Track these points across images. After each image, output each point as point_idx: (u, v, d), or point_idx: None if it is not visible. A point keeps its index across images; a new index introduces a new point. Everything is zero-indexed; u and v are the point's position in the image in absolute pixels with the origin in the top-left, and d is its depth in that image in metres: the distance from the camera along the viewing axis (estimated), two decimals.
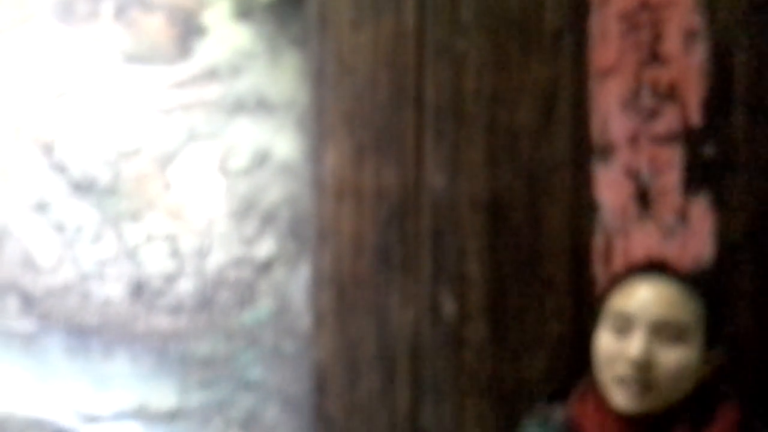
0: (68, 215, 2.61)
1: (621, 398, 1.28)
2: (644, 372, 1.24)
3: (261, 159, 2.59)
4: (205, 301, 2.69)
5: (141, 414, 2.62)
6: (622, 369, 1.27)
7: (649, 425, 1.28)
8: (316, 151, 2.40)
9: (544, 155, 2.03)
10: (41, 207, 2.59)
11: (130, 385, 2.50)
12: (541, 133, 2.03)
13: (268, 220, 2.63)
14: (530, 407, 1.93)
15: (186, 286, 2.68)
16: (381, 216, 2.28)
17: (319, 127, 2.38)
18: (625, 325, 1.29)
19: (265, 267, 2.64)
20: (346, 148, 2.34)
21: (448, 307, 2.17)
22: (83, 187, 2.62)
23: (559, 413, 1.47)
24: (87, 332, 2.61)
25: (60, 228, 2.60)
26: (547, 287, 2.02)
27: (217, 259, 2.69)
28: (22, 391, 2.54)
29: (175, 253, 2.67)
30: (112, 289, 2.63)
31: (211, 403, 2.48)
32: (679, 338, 1.25)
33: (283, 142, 2.52)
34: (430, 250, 2.21)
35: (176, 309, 2.67)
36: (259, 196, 2.60)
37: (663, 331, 1.25)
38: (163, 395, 2.63)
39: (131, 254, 2.65)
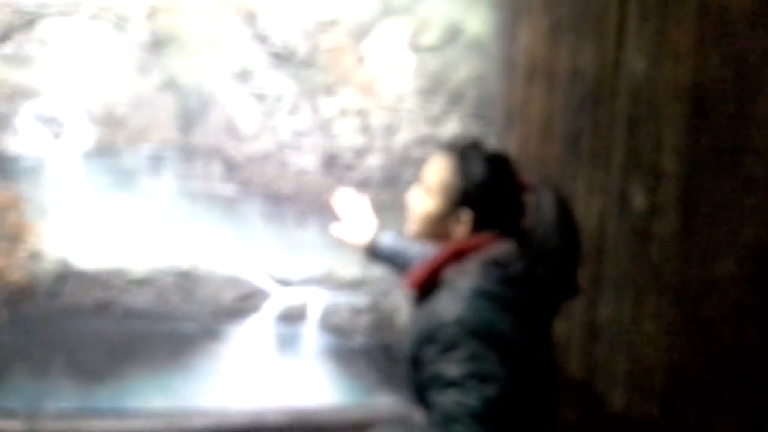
0: (268, 85, 2.85)
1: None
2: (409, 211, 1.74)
3: (452, 35, 2.66)
4: (391, 178, 2.86)
5: (327, 281, 2.88)
6: None
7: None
8: (509, 28, 2.43)
9: (759, 42, 1.94)
10: (243, 76, 2.85)
11: (319, 253, 2.75)
12: (756, 18, 1.94)
13: (455, 99, 2.72)
14: (715, 311, 1.95)
15: (374, 162, 2.87)
16: (573, 100, 2.29)
17: (513, 2, 2.39)
18: None
19: None
20: (541, 26, 2.34)
21: (638, 199, 2.18)
22: (283, 58, 2.84)
23: None
24: (282, 200, 2.88)
25: (260, 97, 2.86)
26: (746, 186, 1.98)
27: (404, 136, 2.84)
28: (222, 251, 2.88)
29: (366, 129, 2.85)
30: (307, 160, 2.88)
31: (391, 276, 2.69)
32: (427, 193, 1.70)
33: (476, 18, 2.57)
34: (623, 138, 2.21)
35: (364, 183, 2.87)
36: (448, 73, 2.69)
37: (422, 186, 1.72)
38: (349, 265, 2.87)
39: (325, 127, 2.87)
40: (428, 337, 1.56)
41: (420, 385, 1.59)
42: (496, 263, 1.61)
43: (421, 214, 1.72)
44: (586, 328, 2.27)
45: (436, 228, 1.71)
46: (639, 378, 2.16)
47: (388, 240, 2.14)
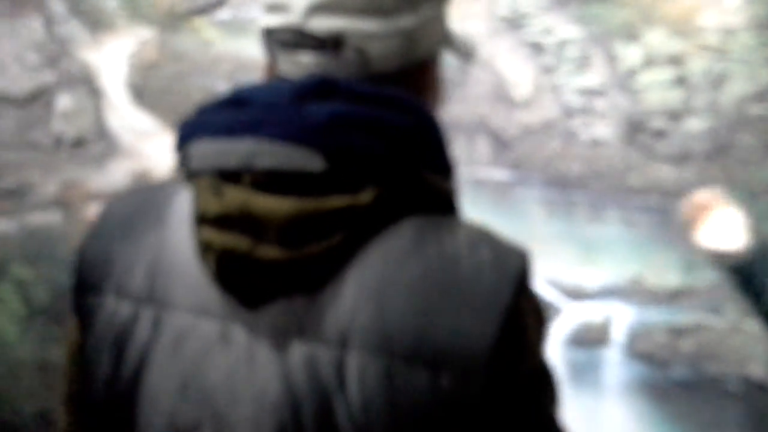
0: (546, 32, 2.41)
1: None
2: None
3: None
4: (718, 147, 2.34)
5: (633, 292, 2.39)
6: None
7: None
8: None
9: None
10: (514, 22, 2.42)
11: (622, 256, 2.29)
12: None
13: None
14: None
15: (694, 126, 2.36)
16: None
17: None
18: None
19: None
20: None
21: None
22: None
23: None
24: (569, 184, 2.43)
25: (537, 48, 2.41)
26: None
27: (736, 88, 2.31)
28: None
29: (681, 81, 2.35)
30: (600, 129, 2.39)
31: (723, 286, 2.18)
32: None
33: None
34: None
35: (681, 156, 2.37)
36: None
37: None
38: (662, 271, 2.37)
39: (624, 83, 2.37)
40: None
41: None
42: None
43: None
44: None
45: None
46: None
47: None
